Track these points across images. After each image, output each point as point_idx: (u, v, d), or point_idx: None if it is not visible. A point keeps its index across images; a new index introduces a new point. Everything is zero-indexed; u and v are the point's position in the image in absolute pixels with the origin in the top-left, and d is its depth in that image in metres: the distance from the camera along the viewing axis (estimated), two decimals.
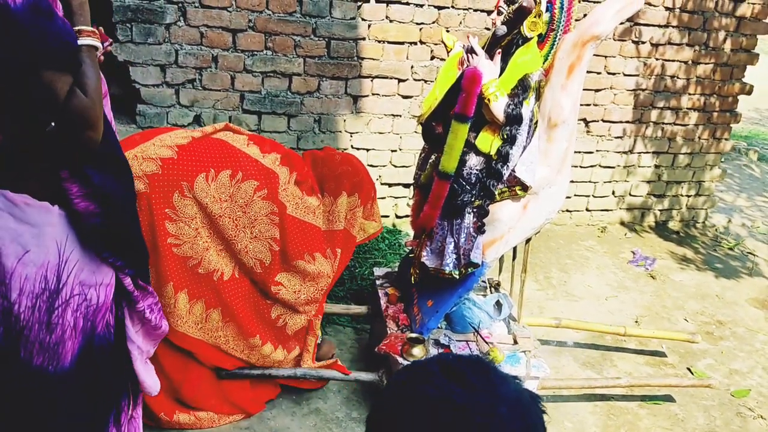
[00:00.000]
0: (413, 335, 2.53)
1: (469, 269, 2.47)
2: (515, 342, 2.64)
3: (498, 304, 2.72)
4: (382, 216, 4.44)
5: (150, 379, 1.77)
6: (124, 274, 1.56)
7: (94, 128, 1.31)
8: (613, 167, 4.99)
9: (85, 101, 1.27)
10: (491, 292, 2.94)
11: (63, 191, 1.36)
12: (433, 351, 2.53)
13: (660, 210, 5.31)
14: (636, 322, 3.74)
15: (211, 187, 2.28)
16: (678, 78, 4.87)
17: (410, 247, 2.93)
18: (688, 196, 5.34)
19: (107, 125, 1.42)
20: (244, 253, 2.40)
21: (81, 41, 1.32)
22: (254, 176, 2.37)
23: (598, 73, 4.63)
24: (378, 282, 3.06)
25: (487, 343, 2.56)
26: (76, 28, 1.32)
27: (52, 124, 1.25)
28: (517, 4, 2.32)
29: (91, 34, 1.35)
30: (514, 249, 2.73)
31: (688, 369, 3.34)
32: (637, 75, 4.75)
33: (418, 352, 2.45)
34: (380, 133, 4.28)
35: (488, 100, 2.28)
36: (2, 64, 1.16)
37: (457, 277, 2.48)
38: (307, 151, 2.93)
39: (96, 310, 1.48)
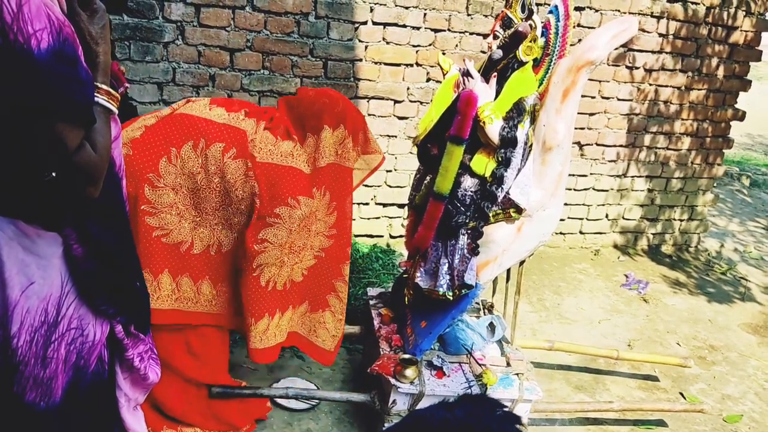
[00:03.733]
0: (406, 356, 2.52)
1: (463, 291, 2.47)
2: (508, 364, 2.63)
3: (491, 326, 2.72)
4: (376, 236, 4.47)
5: (138, 427, 1.73)
6: (116, 321, 1.52)
7: (95, 185, 1.28)
8: (607, 190, 5.02)
9: (94, 158, 1.25)
10: (485, 314, 2.94)
11: (64, 235, 1.34)
12: (426, 372, 2.53)
13: (653, 234, 5.33)
14: (629, 345, 3.74)
15: (178, 166, 2.18)
16: (671, 103, 4.92)
17: (404, 268, 2.93)
18: (681, 221, 5.37)
19: (110, 173, 1.40)
20: (236, 217, 2.30)
21: (98, 99, 1.29)
22: (218, 138, 2.23)
23: (593, 98, 4.68)
24: (371, 302, 3.05)
25: (480, 365, 2.56)
26: (96, 84, 1.29)
27: (53, 174, 1.21)
28: (512, 29, 2.35)
29: (112, 99, 1.33)
30: (508, 271, 2.74)
31: (681, 394, 3.33)
32: (631, 100, 4.80)
33: (410, 373, 2.44)
34: None
35: (483, 122, 2.30)
36: (17, 108, 1.11)
37: (451, 298, 2.48)
38: (282, 96, 2.78)
39: (91, 348, 1.45)
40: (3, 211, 1.24)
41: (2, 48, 1.04)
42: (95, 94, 1.27)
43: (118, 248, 1.47)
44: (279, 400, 2.72)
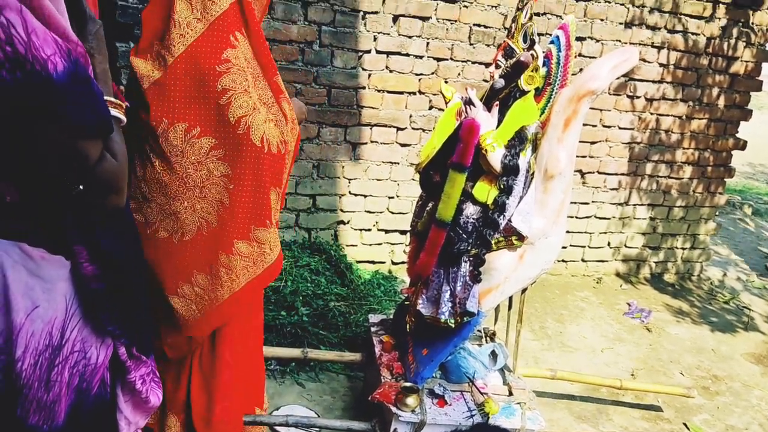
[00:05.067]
0: (407, 384, 2.50)
1: (465, 318, 2.46)
2: (510, 393, 2.61)
3: (493, 354, 2.70)
4: (378, 263, 4.47)
5: None
6: (120, 343, 1.51)
7: (120, 193, 1.30)
8: (609, 218, 5.03)
9: (115, 165, 1.26)
10: (486, 342, 2.92)
11: (73, 253, 1.33)
12: (428, 401, 2.51)
13: (655, 262, 5.32)
14: (632, 375, 3.71)
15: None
16: (672, 132, 4.95)
17: (406, 295, 2.93)
18: (684, 249, 5.36)
19: None
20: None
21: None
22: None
23: (594, 126, 4.71)
24: (373, 329, 3.04)
25: (482, 393, 2.54)
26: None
27: (80, 187, 1.23)
28: (514, 59, 2.37)
29: (117, 107, 1.34)
30: (510, 298, 2.73)
31: (684, 424, 3.30)
32: (632, 128, 4.83)
33: (412, 401, 2.42)
34: (378, 179, 4.32)
35: (485, 150, 2.31)
36: (40, 133, 1.13)
37: (453, 325, 2.47)
38: None
39: (94, 370, 1.44)
40: (8, 234, 1.24)
41: (23, 79, 1.05)
42: None
43: (128, 263, 1.47)
44: (278, 428, 2.70)
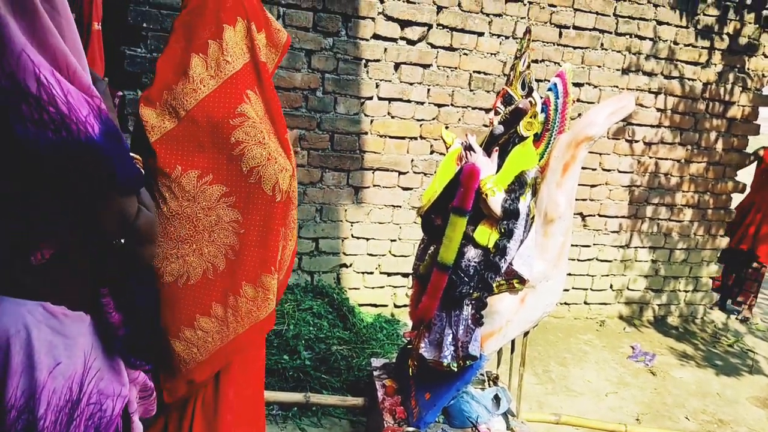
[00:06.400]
0: (410, 429, 2.48)
1: (468, 362, 2.46)
2: None
3: (496, 399, 2.69)
4: (381, 306, 4.47)
5: None
6: (145, 370, 1.57)
7: (155, 241, 1.36)
8: (611, 261, 5.04)
9: (150, 217, 1.32)
10: (489, 386, 2.91)
11: (100, 305, 1.37)
12: None
13: (658, 305, 5.31)
14: (637, 419, 3.68)
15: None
16: (672, 175, 5.00)
17: (408, 338, 2.93)
18: (686, 292, 5.36)
19: None
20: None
21: None
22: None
23: (594, 170, 4.76)
24: (375, 373, 3.03)
25: None
26: None
27: (122, 240, 1.28)
28: (513, 106, 2.43)
29: (137, 160, 1.42)
30: (513, 342, 2.73)
31: None
32: (632, 172, 4.88)
33: None
34: (380, 223, 4.36)
35: (486, 194, 2.35)
36: (87, 193, 1.18)
37: (456, 369, 2.47)
38: None
39: (108, 423, 1.45)
40: (32, 294, 1.27)
41: (68, 139, 1.08)
42: None
43: (150, 305, 1.53)
44: None
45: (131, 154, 1.37)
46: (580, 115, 2.53)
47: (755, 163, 5.63)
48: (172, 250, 1.93)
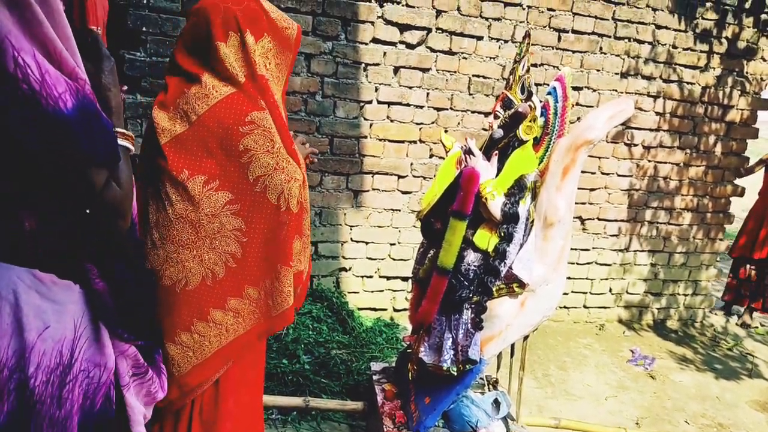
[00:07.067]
0: None
1: (467, 366, 2.46)
2: None
3: (496, 403, 2.69)
4: (380, 309, 4.47)
5: None
6: (136, 345, 1.61)
7: (124, 218, 1.40)
8: (610, 265, 5.04)
9: (119, 193, 1.37)
10: (489, 390, 2.91)
11: (85, 272, 1.43)
12: None
13: (658, 308, 5.31)
14: (637, 423, 3.67)
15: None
16: (671, 179, 5.00)
17: (408, 342, 2.93)
18: (686, 295, 5.36)
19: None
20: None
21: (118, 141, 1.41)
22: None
23: (593, 173, 4.77)
24: (375, 377, 3.03)
25: None
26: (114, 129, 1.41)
27: (87, 211, 1.35)
28: (513, 110, 2.43)
29: (127, 138, 1.45)
30: (512, 346, 2.73)
31: None
32: (631, 176, 4.89)
33: None
34: (380, 226, 4.36)
35: (486, 198, 2.35)
36: (53, 165, 1.25)
37: (455, 373, 2.46)
38: None
39: (97, 389, 1.51)
40: (22, 261, 1.34)
41: (39, 113, 1.18)
42: None
43: (135, 280, 1.56)
44: None
45: (122, 130, 1.44)
46: (579, 118, 2.53)
47: (763, 169, 5.60)
48: (173, 254, 1.92)
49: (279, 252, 2.02)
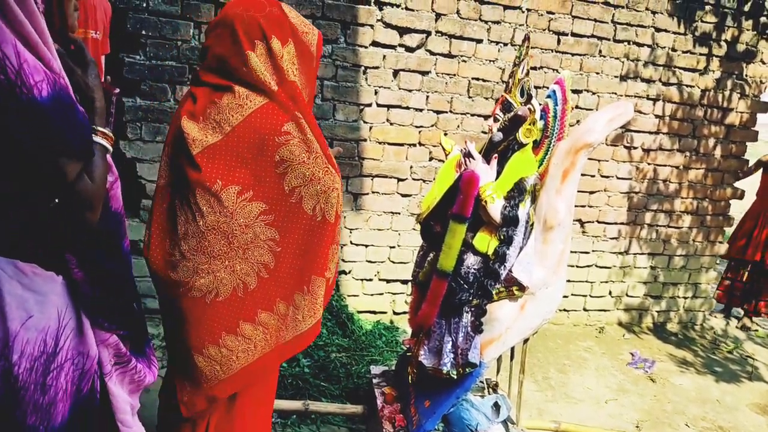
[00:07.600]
0: None
1: (467, 369, 2.46)
2: None
3: (496, 406, 2.68)
4: (380, 313, 4.46)
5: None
6: (119, 335, 1.63)
7: (93, 211, 1.43)
8: (610, 267, 5.04)
9: (91, 186, 1.40)
10: (489, 393, 2.90)
11: (64, 261, 1.47)
12: None
13: (657, 311, 5.31)
14: (637, 426, 3.67)
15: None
16: (670, 182, 5.00)
17: (408, 346, 2.92)
18: (685, 298, 5.35)
19: (109, 210, 1.54)
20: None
21: (96, 139, 1.45)
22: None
23: (593, 176, 4.76)
24: (374, 380, 3.02)
25: None
26: (94, 126, 1.45)
27: (56, 200, 1.39)
28: (512, 113, 2.44)
29: (107, 138, 1.48)
30: (512, 349, 2.72)
31: None
32: (630, 178, 4.89)
33: None
34: (379, 229, 4.35)
35: (485, 201, 2.35)
36: (24, 152, 1.28)
37: (455, 377, 2.46)
38: None
39: (81, 376, 1.56)
40: (3, 252, 1.38)
41: (13, 101, 1.22)
42: (94, 135, 1.44)
43: (115, 271, 1.59)
44: None
45: (103, 130, 1.47)
46: (578, 121, 2.53)
47: (761, 170, 5.60)
48: (203, 265, 1.88)
49: (313, 262, 2.00)
